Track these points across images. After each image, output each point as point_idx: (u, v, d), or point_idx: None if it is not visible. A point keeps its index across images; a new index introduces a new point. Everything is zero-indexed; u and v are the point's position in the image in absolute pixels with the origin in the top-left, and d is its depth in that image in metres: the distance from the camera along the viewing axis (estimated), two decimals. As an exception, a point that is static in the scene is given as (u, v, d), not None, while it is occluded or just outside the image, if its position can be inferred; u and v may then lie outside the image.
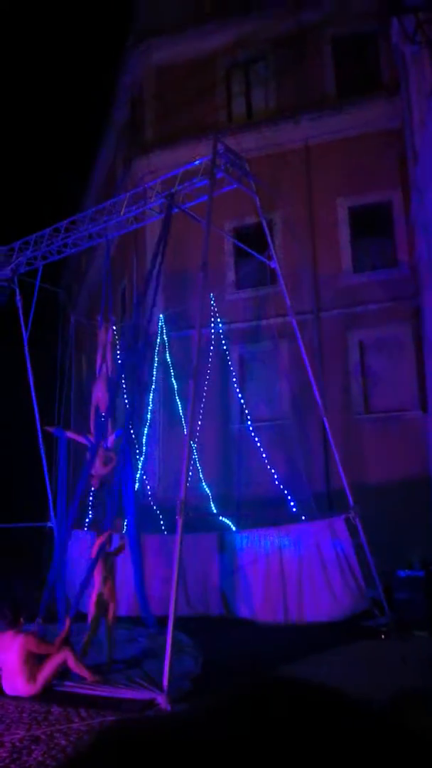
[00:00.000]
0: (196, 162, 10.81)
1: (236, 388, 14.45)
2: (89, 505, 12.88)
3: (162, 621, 8.19)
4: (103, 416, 10.41)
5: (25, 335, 13.42)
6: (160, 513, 12.91)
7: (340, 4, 16.23)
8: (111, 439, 10.37)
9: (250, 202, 11.52)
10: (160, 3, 18.45)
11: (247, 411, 14.27)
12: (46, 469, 13.12)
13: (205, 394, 13.68)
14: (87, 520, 12.78)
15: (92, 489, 10.98)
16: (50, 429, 11.92)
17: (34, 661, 6.97)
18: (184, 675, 7.32)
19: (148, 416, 14.56)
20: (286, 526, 10.93)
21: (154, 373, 14.99)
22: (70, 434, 11.31)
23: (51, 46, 44.62)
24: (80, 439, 11.02)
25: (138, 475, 12.38)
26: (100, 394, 10.83)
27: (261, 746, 0.65)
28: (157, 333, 14.99)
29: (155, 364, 15.03)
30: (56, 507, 11.79)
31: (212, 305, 14.28)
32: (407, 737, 0.71)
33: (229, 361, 14.38)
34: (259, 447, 13.09)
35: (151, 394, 14.82)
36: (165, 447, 14.64)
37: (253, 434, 13.51)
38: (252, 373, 15.73)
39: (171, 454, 13.76)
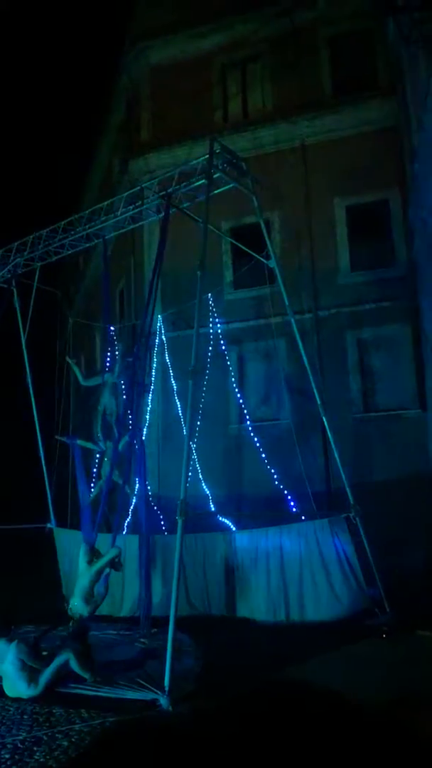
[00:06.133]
0: (193, 162, 10.80)
1: (235, 388, 14.44)
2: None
3: (163, 621, 8.16)
4: (111, 421, 10.63)
5: (23, 337, 13.41)
6: (161, 513, 12.88)
7: (335, 3, 16.24)
8: (122, 443, 10.49)
9: (248, 202, 11.50)
10: (156, 4, 18.46)
11: (246, 411, 14.26)
12: (45, 470, 13.08)
13: (204, 394, 13.65)
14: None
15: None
16: (61, 438, 11.94)
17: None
18: (186, 675, 7.29)
19: (147, 417, 14.53)
20: (287, 525, 10.90)
21: (153, 373, 14.97)
22: (80, 442, 11.32)
23: (48, 47, 44.65)
24: (91, 445, 11.10)
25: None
26: (106, 400, 10.93)
27: (262, 748, 0.65)
28: (156, 333, 14.96)
29: (154, 365, 15.01)
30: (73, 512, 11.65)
31: (210, 305, 14.26)
32: (406, 739, 0.71)
33: (227, 361, 14.35)
34: (259, 447, 13.06)
35: (150, 395, 14.80)
36: (164, 447, 14.60)
37: (252, 434, 13.49)
38: (251, 373, 15.73)
39: (170, 455, 13.74)
